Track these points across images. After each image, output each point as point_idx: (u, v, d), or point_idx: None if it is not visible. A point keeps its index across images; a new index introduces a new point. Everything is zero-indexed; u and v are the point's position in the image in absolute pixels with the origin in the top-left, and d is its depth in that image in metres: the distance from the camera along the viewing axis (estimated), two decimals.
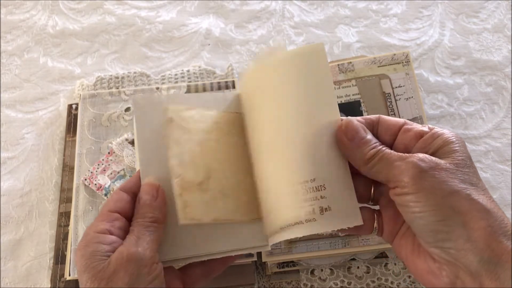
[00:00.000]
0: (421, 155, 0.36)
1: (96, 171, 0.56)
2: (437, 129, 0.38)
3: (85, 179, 0.56)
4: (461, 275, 0.33)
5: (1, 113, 0.66)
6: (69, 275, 0.52)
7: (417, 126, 0.39)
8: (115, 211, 0.40)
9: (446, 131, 0.38)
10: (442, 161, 0.35)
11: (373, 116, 0.41)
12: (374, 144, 0.39)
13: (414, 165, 0.35)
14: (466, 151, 0.37)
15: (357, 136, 0.39)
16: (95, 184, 0.55)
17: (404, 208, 0.36)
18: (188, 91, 0.61)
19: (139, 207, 0.40)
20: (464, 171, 0.35)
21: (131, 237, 0.38)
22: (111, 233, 0.38)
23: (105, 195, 0.55)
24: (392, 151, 0.38)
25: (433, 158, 0.36)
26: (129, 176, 0.56)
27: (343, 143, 0.39)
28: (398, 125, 0.40)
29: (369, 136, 0.39)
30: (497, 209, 0.34)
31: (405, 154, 0.37)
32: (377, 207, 0.41)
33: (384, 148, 0.38)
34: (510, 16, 0.69)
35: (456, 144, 0.37)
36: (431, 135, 0.38)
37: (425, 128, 0.39)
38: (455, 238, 0.33)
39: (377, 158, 0.38)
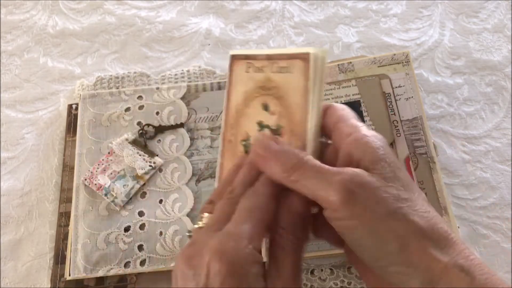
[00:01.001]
0: (349, 171, 0.33)
1: (96, 171, 0.56)
2: (362, 130, 0.35)
3: (85, 179, 0.56)
4: None
5: (1, 113, 0.66)
6: (69, 275, 0.52)
7: (345, 125, 0.36)
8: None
9: (369, 133, 0.35)
10: (372, 178, 0.33)
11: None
12: (293, 154, 0.35)
13: (343, 187, 0.32)
14: (390, 156, 0.34)
15: (270, 148, 0.35)
16: (95, 184, 0.55)
17: (341, 233, 0.33)
18: (188, 91, 0.61)
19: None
20: (394, 186, 0.33)
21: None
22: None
23: (105, 195, 0.55)
24: (318, 162, 0.34)
25: (363, 174, 0.33)
26: (129, 177, 0.56)
27: (257, 160, 0.36)
28: (332, 121, 0.37)
29: (283, 146, 0.35)
30: (432, 222, 0.32)
31: (331, 168, 0.33)
32: None
33: (307, 157, 0.34)
34: (510, 16, 0.69)
35: (380, 150, 0.34)
36: (354, 139, 0.35)
37: (351, 128, 0.36)
38: (396, 263, 0.32)
39: (298, 173, 0.34)
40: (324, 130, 0.38)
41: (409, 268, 0.31)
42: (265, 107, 0.41)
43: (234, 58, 0.43)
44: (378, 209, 0.32)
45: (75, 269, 0.52)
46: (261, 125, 0.40)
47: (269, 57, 0.40)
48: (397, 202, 0.32)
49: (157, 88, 0.62)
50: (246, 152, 0.40)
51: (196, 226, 0.37)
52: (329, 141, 0.39)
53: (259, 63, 0.41)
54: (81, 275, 0.52)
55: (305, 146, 0.36)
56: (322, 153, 0.38)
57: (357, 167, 0.33)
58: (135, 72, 0.66)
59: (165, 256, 0.52)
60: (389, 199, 0.32)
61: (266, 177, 0.36)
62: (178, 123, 0.59)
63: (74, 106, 0.63)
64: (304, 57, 0.38)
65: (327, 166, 0.33)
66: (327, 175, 0.33)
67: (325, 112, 0.38)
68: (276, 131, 0.39)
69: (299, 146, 0.36)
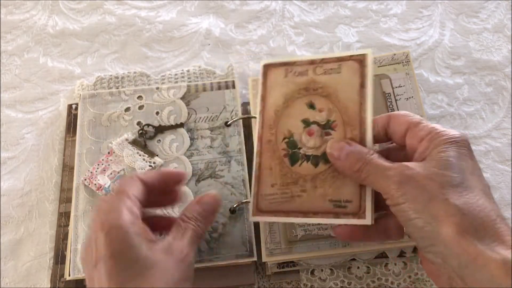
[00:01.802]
0: (405, 164, 0.39)
1: (96, 171, 0.56)
2: (437, 129, 0.40)
3: (85, 179, 0.56)
4: (453, 276, 0.35)
5: (1, 113, 0.66)
6: (69, 275, 0.52)
7: (421, 127, 0.41)
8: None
9: (447, 131, 0.39)
10: (419, 169, 0.38)
11: (383, 116, 0.43)
12: (360, 155, 0.41)
13: (398, 175, 0.38)
14: (455, 150, 0.38)
15: (342, 152, 0.42)
16: (95, 184, 0.55)
17: (398, 217, 0.38)
18: (188, 91, 0.61)
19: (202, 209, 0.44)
20: (446, 173, 0.37)
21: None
22: None
23: (106, 195, 0.55)
24: (380, 160, 0.40)
25: (411, 166, 0.38)
26: None
27: (333, 162, 0.43)
28: (405, 127, 0.42)
29: (354, 147, 0.42)
30: (475, 207, 0.36)
31: (392, 164, 0.39)
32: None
33: (371, 157, 0.41)
34: (510, 16, 0.69)
35: (447, 144, 0.39)
36: (430, 138, 0.40)
37: (427, 130, 0.40)
38: (438, 243, 0.35)
39: (365, 170, 0.40)
40: (394, 137, 0.43)
41: (447, 249, 0.35)
42: (311, 106, 0.46)
43: (268, 66, 0.49)
44: (422, 195, 0.36)
45: (75, 269, 0.52)
46: (307, 122, 0.46)
47: (312, 62, 0.47)
48: (444, 187, 0.36)
49: (157, 88, 0.61)
50: (290, 148, 0.46)
51: None
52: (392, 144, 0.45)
53: (301, 68, 0.47)
54: (81, 275, 0.52)
55: (363, 134, 0.43)
56: (390, 154, 0.43)
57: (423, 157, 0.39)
58: (135, 72, 0.66)
59: None
60: (434, 186, 0.36)
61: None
62: (178, 123, 0.59)
63: (74, 106, 0.63)
64: (359, 59, 0.45)
65: (385, 163, 0.40)
66: (386, 171, 0.39)
67: (389, 120, 0.43)
68: (326, 126, 0.45)
69: (356, 135, 0.43)
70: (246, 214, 0.54)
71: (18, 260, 0.57)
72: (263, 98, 0.49)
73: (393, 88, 0.58)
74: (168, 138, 0.58)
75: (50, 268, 0.55)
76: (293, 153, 0.45)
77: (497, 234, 0.35)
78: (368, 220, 0.41)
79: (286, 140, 0.46)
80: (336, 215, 0.42)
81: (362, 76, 0.44)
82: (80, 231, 0.54)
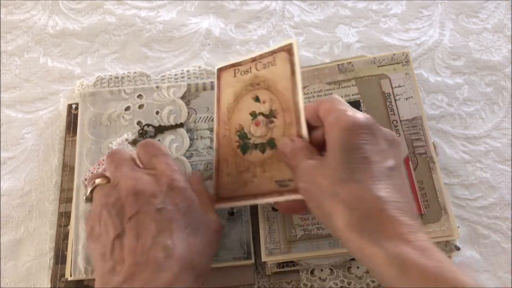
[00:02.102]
0: (310, 162, 0.42)
1: (97, 171, 0.56)
2: (339, 116, 0.42)
3: (85, 179, 0.56)
4: None
5: (1, 113, 0.66)
6: (70, 275, 0.52)
7: (332, 113, 0.43)
8: None
9: (345, 117, 0.41)
10: (321, 163, 0.41)
11: (314, 102, 0.46)
12: (295, 153, 0.44)
13: (305, 174, 0.42)
14: (349, 139, 0.40)
15: (285, 149, 0.45)
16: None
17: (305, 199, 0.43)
18: (188, 90, 0.61)
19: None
20: (337, 168, 0.40)
21: None
22: None
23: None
24: (303, 159, 0.43)
25: (318, 160, 0.42)
26: None
27: (282, 155, 0.46)
28: (326, 113, 0.44)
29: (293, 145, 0.45)
30: (363, 200, 0.38)
31: (305, 161, 0.43)
32: None
33: (301, 156, 0.44)
34: (510, 16, 0.69)
35: (343, 133, 0.41)
36: (331, 125, 0.42)
37: (333, 117, 0.42)
38: (336, 236, 0.40)
39: (293, 161, 0.44)
40: (319, 120, 0.45)
41: (343, 242, 0.39)
42: (256, 99, 0.50)
43: (221, 70, 0.55)
44: (318, 193, 0.40)
45: (76, 270, 0.52)
46: (254, 114, 0.50)
47: (253, 59, 0.52)
48: (333, 185, 0.39)
49: (157, 87, 0.61)
50: (241, 139, 0.50)
51: (89, 190, 0.46)
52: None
53: (245, 67, 0.53)
54: (82, 276, 0.51)
55: (298, 117, 0.46)
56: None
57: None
58: (135, 72, 0.66)
59: None
60: (326, 183, 0.39)
61: None
62: (178, 123, 0.59)
63: (74, 106, 0.63)
64: (287, 48, 0.49)
65: (303, 161, 0.42)
66: (297, 170, 0.43)
67: (318, 105, 0.45)
68: (269, 115, 0.49)
69: (293, 118, 0.46)
70: (245, 216, 0.54)
71: (18, 260, 0.57)
72: (218, 99, 0.54)
73: (392, 88, 0.57)
74: (168, 138, 0.58)
75: (50, 268, 0.55)
76: (244, 144, 0.50)
77: (383, 226, 0.36)
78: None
79: (238, 133, 0.51)
80: (281, 194, 0.45)
81: (292, 64, 0.48)
82: (80, 231, 0.53)
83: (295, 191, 0.44)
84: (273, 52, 0.50)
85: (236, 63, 0.54)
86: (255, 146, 0.49)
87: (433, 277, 0.33)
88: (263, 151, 0.48)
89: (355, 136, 0.40)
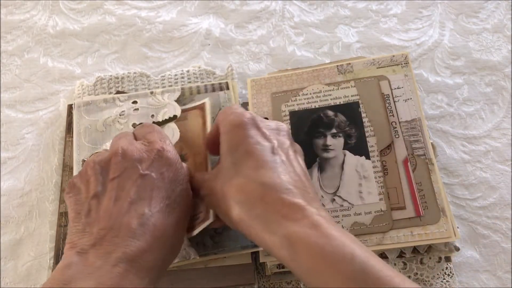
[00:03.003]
0: (206, 176, 0.46)
1: None
2: (219, 122, 0.46)
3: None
4: None
5: (1, 113, 0.66)
6: None
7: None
8: None
9: (221, 122, 0.46)
10: (211, 173, 0.46)
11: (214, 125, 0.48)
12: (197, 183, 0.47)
13: (206, 189, 0.46)
14: (226, 141, 0.44)
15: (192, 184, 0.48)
16: None
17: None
18: (183, 94, 0.61)
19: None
20: (219, 175, 0.43)
21: None
22: None
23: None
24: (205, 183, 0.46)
25: (210, 173, 0.47)
26: None
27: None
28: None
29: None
30: (246, 192, 0.40)
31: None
32: None
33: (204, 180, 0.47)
34: (510, 16, 0.69)
35: (222, 137, 0.44)
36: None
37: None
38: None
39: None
40: None
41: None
42: None
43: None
44: (213, 199, 0.44)
45: None
46: None
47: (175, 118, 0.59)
48: (222, 188, 0.41)
49: (151, 93, 0.61)
50: None
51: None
52: None
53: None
54: None
55: (206, 157, 0.53)
56: None
57: None
58: (135, 72, 0.66)
59: None
60: (217, 186, 0.42)
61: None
62: (172, 116, 0.59)
63: (74, 106, 0.63)
64: (200, 107, 0.58)
65: (199, 179, 0.47)
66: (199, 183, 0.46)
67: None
68: (182, 158, 0.53)
69: (203, 158, 0.53)
70: None
71: (18, 260, 0.57)
72: None
73: (391, 89, 0.57)
74: None
75: (50, 268, 0.55)
76: None
77: (268, 211, 0.38)
78: (211, 219, 0.46)
79: None
80: (193, 228, 0.47)
81: (204, 117, 0.57)
82: None
83: (204, 220, 0.46)
84: (185, 110, 0.59)
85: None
86: None
87: (322, 253, 0.34)
88: None
89: (237, 133, 0.43)
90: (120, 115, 0.60)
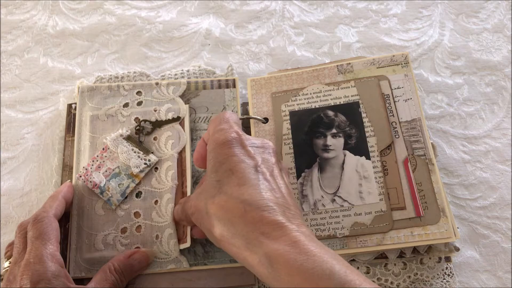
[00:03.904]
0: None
1: (91, 167, 0.56)
2: (208, 141, 0.47)
3: (80, 176, 0.56)
4: None
5: (1, 113, 0.66)
6: (70, 274, 0.52)
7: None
8: None
9: (210, 138, 0.47)
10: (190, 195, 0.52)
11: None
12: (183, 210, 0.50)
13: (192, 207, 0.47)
14: (211, 158, 0.45)
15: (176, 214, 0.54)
16: (90, 182, 0.55)
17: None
18: (188, 88, 0.61)
19: None
20: (203, 193, 0.44)
21: None
22: None
23: (101, 193, 0.55)
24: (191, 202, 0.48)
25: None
26: (124, 175, 0.56)
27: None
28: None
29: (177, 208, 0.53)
30: (226, 210, 0.41)
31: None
32: None
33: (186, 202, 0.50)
34: (510, 16, 0.69)
35: (209, 155, 0.46)
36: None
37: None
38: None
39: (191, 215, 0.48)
40: None
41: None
42: None
43: None
44: (198, 216, 0.45)
45: (76, 269, 0.52)
46: None
47: None
48: (206, 206, 0.43)
49: (157, 84, 0.61)
50: None
51: (4, 267, 0.49)
52: None
53: None
54: (81, 275, 0.52)
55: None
56: None
57: None
58: (135, 72, 0.66)
59: (161, 259, 0.52)
60: (201, 205, 0.44)
61: (44, 205, 0.52)
62: (175, 116, 0.59)
63: (74, 106, 0.63)
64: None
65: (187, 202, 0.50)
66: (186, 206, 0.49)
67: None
68: None
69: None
70: None
71: None
72: None
73: (391, 89, 0.58)
74: (164, 135, 0.58)
75: None
76: None
77: (248, 229, 0.39)
78: (188, 243, 0.52)
79: None
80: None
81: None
82: (80, 231, 0.54)
83: (182, 242, 0.52)
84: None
85: None
86: None
87: (301, 270, 0.34)
88: None
89: (222, 151, 0.44)
90: (123, 107, 0.60)
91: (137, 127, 0.58)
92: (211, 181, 0.43)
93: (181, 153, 0.57)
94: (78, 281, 0.52)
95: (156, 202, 0.55)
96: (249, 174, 0.42)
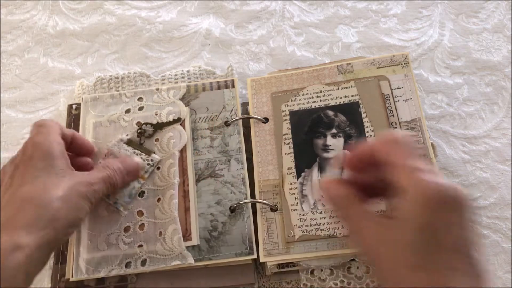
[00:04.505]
0: (378, 229, 0.39)
1: None
2: (422, 177, 0.36)
3: None
4: None
5: (1, 113, 0.66)
6: (72, 276, 0.52)
7: (402, 168, 0.38)
8: None
9: (433, 182, 0.35)
10: (392, 234, 0.37)
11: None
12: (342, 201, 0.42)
13: (373, 237, 0.39)
14: (434, 216, 0.34)
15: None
16: None
17: None
18: (188, 91, 0.61)
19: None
20: (405, 254, 0.35)
21: None
22: None
23: (107, 197, 0.55)
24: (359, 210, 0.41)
25: (388, 230, 0.38)
26: None
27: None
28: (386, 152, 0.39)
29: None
30: None
31: (368, 221, 0.39)
32: None
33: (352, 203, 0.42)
34: (510, 16, 0.69)
35: (427, 205, 0.35)
36: (409, 185, 0.37)
37: (407, 170, 0.38)
38: None
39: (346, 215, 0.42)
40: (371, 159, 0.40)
41: None
42: None
43: None
44: (383, 270, 0.37)
45: (78, 270, 0.52)
46: None
47: None
48: (397, 269, 0.35)
49: (157, 89, 0.62)
50: None
51: None
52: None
53: None
54: (83, 276, 0.52)
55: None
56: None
57: None
58: (135, 72, 0.66)
59: (165, 256, 0.52)
60: (389, 265, 0.36)
61: None
62: (176, 118, 0.59)
63: (74, 106, 0.63)
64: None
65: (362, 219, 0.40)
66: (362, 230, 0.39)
67: (382, 145, 0.39)
68: None
69: None
70: (246, 212, 0.54)
71: None
72: None
73: (391, 89, 0.58)
74: (166, 136, 0.58)
75: (50, 268, 0.55)
76: None
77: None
78: (194, 241, 0.52)
79: None
80: None
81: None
82: (81, 231, 0.54)
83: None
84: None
85: None
86: None
87: None
88: None
89: (439, 216, 0.34)
90: (125, 113, 0.60)
91: (139, 130, 0.58)
92: (411, 239, 0.34)
93: (182, 152, 0.57)
94: (78, 281, 0.52)
95: (158, 200, 0.55)
96: (464, 259, 0.34)
